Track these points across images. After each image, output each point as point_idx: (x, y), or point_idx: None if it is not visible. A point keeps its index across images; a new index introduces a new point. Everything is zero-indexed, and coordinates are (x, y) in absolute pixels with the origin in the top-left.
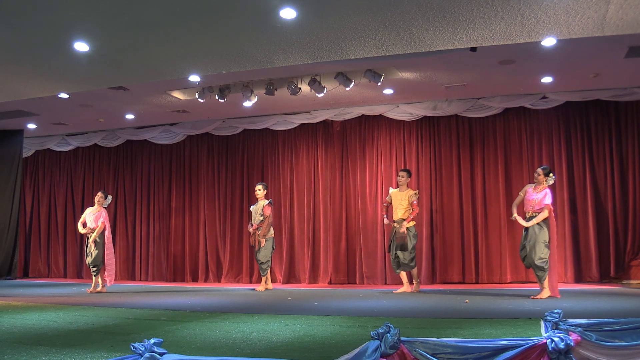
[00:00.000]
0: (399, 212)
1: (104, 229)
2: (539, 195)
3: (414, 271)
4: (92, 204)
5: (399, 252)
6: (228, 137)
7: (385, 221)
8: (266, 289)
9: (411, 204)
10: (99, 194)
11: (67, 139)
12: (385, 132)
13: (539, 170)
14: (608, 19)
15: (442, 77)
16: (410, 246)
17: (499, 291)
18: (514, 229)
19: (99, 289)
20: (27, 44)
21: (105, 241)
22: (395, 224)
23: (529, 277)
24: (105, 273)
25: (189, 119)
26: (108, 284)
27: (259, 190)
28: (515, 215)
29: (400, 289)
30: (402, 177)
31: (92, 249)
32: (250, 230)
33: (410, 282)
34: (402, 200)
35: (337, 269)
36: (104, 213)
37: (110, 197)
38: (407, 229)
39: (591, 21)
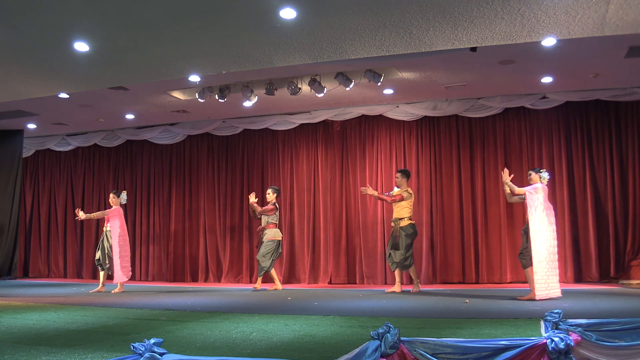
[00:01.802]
0: (396, 214)
1: (117, 228)
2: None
3: (413, 272)
4: (93, 204)
5: (391, 252)
6: (228, 137)
7: (369, 191)
8: (275, 289)
9: (397, 194)
10: (110, 195)
11: (67, 139)
12: (385, 132)
13: (530, 172)
14: (608, 19)
15: (442, 77)
16: (402, 245)
17: (499, 291)
18: (514, 229)
19: (98, 288)
20: (27, 44)
21: (117, 239)
22: (392, 223)
23: None
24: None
25: (189, 119)
26: (126, 279)
27: (268, 194)
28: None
29: (391, 289)
30: (397, 177)
31: (105, 244)
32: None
33: (410, 283)
34: (400, 202)
35: (337, 269)
36: (117, 211)
37: (124, 193)
38: (402, 227)
39: (591, 21)
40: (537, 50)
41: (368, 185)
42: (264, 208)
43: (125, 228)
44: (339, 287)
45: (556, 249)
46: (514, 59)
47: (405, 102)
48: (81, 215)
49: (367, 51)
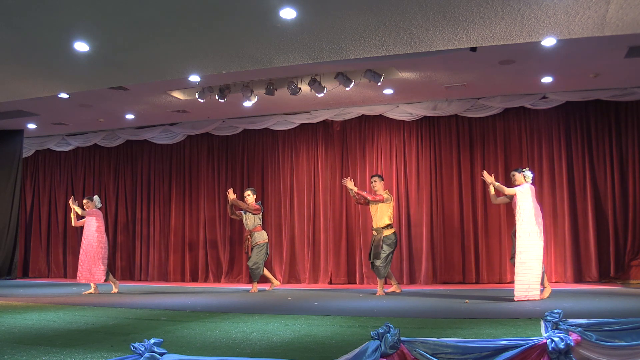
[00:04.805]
0: (378, 221)
1: (92, 228)
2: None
3: (390, 275)
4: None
5: (374, 260)
6: (228, 137)
7: (349, 184)
8: (273, 287)
9: (379, 195)
10: (84, 202)
11: (67, 139)
12: (385, 132)
13: (512, 173)
14: (608, 19)
15: (442, 77)
16: (383, 254)
17: (499, 291)
18: None
19: (90, 290)
20: (27, 44)
21: (92, 240)
22: (374, 232)
23: None
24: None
25: (189, 119)
26: (77, 280)
27: (248, 195)
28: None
29: (390, 289)
30: (375, 181)
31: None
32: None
33: (383, 284)
34: (380, 208)
35: (337, 269)
36: (94, 212)
37: (96, 196)
38: (385, 237)
39: (591, 21)
40: (537, 50)
41: (350, 178)
42: (249, 204)
43: (103, 231)
44: (339, 287)
45: (542, 250)
46: (514, 59)
47: (405, 102)
48: (75, 204)
49: (367, 51)
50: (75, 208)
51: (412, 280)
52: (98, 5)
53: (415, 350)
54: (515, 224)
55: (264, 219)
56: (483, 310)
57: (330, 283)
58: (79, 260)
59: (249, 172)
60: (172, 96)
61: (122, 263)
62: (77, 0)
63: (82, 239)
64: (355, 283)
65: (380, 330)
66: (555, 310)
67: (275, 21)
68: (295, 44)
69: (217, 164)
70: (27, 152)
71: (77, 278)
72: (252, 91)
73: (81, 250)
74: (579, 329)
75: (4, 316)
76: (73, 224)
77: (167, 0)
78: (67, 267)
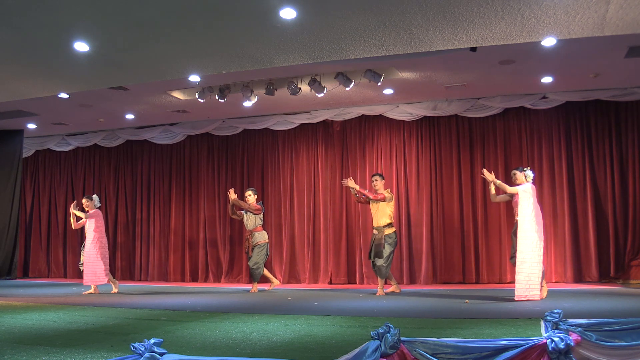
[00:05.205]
0: (379, 220)
1: (92, 230)
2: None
3: (390, 277)
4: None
5: (375, 259)
6: (228, 137)
7: (350, 183)
8: (273, 287)
9: (380, 193)
10: (83, 201)
11: (67, 139)
12: (385, 132)
13: (513, 172)
14: (608, 19)
15: (442, 77)
16: (385, 253)
17: (499, 291)
18: None
19: (90, 290)
20: (27, 44)
21: (95, 242)
22: (375, 231)
23: None
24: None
25: (189, 119)
26: (84, 283)
27: (249, 195)
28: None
29: (390, 289)
30: (376, 180)
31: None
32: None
33: (384, 284)
34: (380, 206)
35: (337, 269)
36: (96, 213)
37: (95, 196)
38: (387, 235)
39: (591, 21)
40: (537, 50)
41: (350, 177)
42: (250, 204)
43: (103, 230)
44: (339, 287)
45: (542, 250)
46: (514, 59)
47: (405, 102)
48: (76, 210)
49: (367, 51)
50: (77, 213)
51: (412, 280)
52: (98, 5)
53: (415, 350)
54: (515, 224)
55: (264, 219)
56: (483, 310)
57: (330, 283)
58: (83, 265)
59: (249, 172)
60: (172, 96)
61: (122, 263)
62: (77, 0)
63: (85, 242)
64: (355, 283)
65: (380, 330)
66: (555, 310)
67: (275, 21)
68: (295, 44)
69: (217, 164)
70: (27, 152)
71: (84, 282)
72: (252, 91)
73: (84, 254)
74: (579, 329)
75: (4, 316)
76: (73, 227)
77: (167, 0)
78: (67, 267)
